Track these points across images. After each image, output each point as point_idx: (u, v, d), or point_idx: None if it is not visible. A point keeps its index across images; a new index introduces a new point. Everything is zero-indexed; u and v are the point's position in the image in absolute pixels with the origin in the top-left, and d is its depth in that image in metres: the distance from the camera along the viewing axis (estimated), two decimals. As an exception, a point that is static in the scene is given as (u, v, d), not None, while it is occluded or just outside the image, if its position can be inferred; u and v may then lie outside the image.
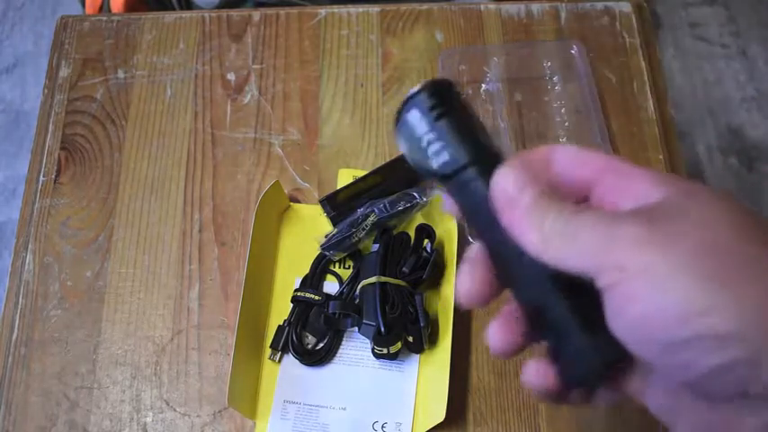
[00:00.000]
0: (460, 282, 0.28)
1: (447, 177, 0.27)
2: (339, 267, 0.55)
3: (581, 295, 0.25)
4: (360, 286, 0.51)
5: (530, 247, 0.25)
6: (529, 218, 0.25)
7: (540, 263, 0.24)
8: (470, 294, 0.28)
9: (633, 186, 0.25)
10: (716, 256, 0.21)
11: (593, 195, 0.27)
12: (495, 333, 0.28)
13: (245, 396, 0.50)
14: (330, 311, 0.51)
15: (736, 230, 0.22)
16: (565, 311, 0.25)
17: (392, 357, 0.49)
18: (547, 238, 0.24)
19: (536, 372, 0.27)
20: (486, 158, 0.27)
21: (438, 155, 0.27)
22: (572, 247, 0.24)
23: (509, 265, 0.27)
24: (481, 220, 0.27)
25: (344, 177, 0.58)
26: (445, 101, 0.27)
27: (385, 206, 0.53)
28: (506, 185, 0.26)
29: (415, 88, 0.27)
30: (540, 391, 0.27)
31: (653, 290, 0.22)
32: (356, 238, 0.53)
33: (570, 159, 0.27)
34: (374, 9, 0.65)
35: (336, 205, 0.53)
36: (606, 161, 0.26)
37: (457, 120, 0.27)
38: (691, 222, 0.22)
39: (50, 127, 0.61)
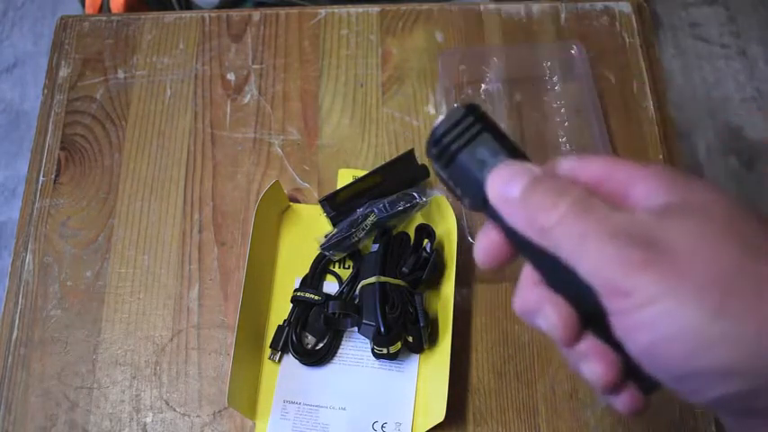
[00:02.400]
0: (479, 241, 0.28)
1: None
2: (339, 267, 0.55)
3: None
4: (359, 286, 0.51)
5: (531, 232, 0.25)
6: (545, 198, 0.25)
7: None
8: (488, 253, 0.28)
9: (635, 189, 0.25)
10: (721, 282, 0.21)
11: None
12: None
13: (244, 396, 0.50)
14: (330, 311, 0.51)
15: (741, 241, 0.22)
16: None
17: (392, 357, 0.49)
18: (550, 225, 0.24)
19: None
20: None
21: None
22: (577, 249, 0.23)
23: (559, 282, 0.26)
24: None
25: (344, 177, 0.58)
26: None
27: (385, 206, 0.53)
28: (504, 173, 0.26)
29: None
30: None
31: (660, 322, 0.21)
32: (356, 238, 0.53)
33: (571, 167, 0.27)
34: (374, 9, 0.65)
35: (336, 205, 0.53)
36: (605, 162, 0.26)
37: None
38: (696, 238, 0.22)
39: (50, 127, 0.61)
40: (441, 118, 0.28)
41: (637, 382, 0.26)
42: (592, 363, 0.26)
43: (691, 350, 0.21)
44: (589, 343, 0.26)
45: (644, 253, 0.22)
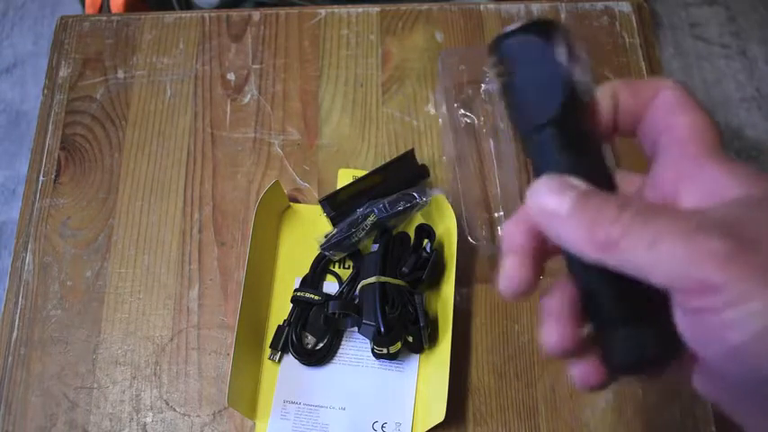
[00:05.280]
0: (507, 270, 0.26)
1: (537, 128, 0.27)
2: (339, 267, 0.55)
3: (630, 282, 0.23)
4: (359, 286, 0.51)
5: (590, 248, 0.22)
6: (594, 212, 0.22)
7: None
8: (516, 283, 0.26)
9: (702, 174, 0.23)
10: None
11: (649, 164, 0.25)
12: (550, 329, 0.25)
13: (244, 396, 0.50)
14: (330, 311, 0.51)
15: None
16: (610, 298, 0.24)
17: (392, 357, 0.50)
18: (615, 239, 0.22)
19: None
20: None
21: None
22: (649, 256, 0.21)
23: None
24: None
25: (344, 177, 0.58)
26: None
27: (385, 206, 0.53)
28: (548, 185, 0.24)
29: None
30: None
31: (755, 320, 0.20)
32: (356, 238, 0.53)
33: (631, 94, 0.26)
34: (374, 9, 0.65)
35: (336, 205, 0.53)
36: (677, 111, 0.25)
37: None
38: None
39: (50, 127, 0.61)
40: (511, 28, 0.26)
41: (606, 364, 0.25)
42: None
43: None
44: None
45: (730, 244, 0.20)
